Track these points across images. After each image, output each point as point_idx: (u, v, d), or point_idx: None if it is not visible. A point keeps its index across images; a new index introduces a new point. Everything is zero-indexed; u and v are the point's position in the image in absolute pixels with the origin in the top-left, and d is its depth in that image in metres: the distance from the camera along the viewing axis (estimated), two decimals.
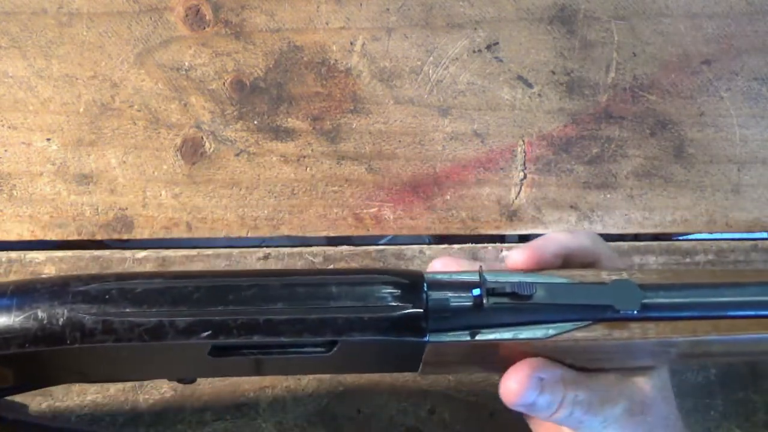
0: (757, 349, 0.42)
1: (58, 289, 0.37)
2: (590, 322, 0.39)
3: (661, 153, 0.57)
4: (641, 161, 0.57)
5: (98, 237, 0.53)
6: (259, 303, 0.37)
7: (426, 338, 0.38)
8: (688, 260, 0.57)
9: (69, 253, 0.53)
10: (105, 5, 0.53)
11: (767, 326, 0.40)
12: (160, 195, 0.53)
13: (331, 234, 0.55)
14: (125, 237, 0.53)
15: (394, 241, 0.60)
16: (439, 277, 0.40)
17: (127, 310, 0.36)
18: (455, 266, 0.42)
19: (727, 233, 0.58)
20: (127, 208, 0.53)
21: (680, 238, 0.61)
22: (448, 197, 0.55)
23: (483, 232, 0.56)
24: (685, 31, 0.57)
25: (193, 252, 0.54)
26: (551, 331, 0.39)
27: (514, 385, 0.39)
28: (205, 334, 0.37)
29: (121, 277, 0.38)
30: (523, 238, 0.58)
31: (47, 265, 0.52)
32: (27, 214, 0.52)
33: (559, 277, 0.40)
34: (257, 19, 0.54)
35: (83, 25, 0.53)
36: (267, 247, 0.55)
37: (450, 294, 0.39)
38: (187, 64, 0.54)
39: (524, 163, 0.56)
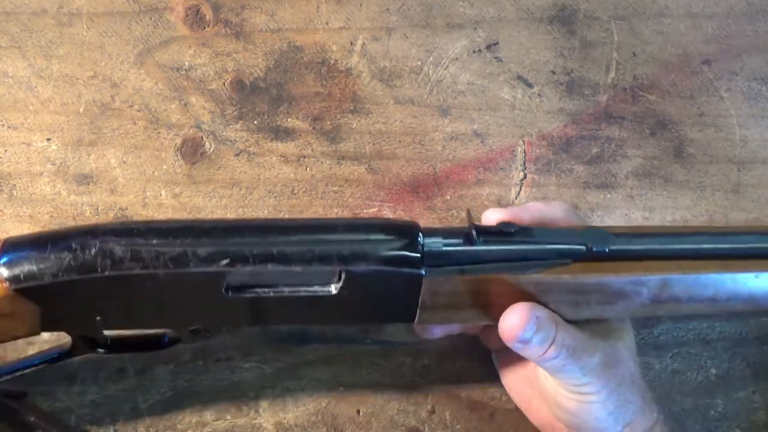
0: (718, 297, 0.45)
1: (90, 228, 0.41)
2: (570, 261, 0.44)
3: (661, 153, 0.57)
4: (641, 161, 0.57)
5: None
6: (273, 237, 0.41)
7: (422, 271, 0.42)
8: None
9: None
10: (105, 5, 0.53)
11: (725, 267, 0.45)
12: (160, 195, 0.53)
13: None
14: None
15: None
16: (432, 227, 0.45)
17: (154, 241, 0.40)
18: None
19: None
20: (127, 208, 0.53)
21: None
22: (448, 197, 0.56)
23: None
24: (685, 31, 0.57)
25: None
26: (534, 269, 0.43)
27: (516, 319, 0.43)
28: (224, 262, 0.40)
29: (147, 221, 0.44)
30: None
31: None
32: (27, 214, 0.52)
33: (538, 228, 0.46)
34: (257, 19, 0.54)
35: (83, 25, 0.53)
36: None
37: (443, 234, 0.44)
38: (187, 64, 0.54)
39: (524, 163, 0.56)
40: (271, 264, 0.41)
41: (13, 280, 0.40)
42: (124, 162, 0.53)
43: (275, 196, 0.54)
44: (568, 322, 0.46)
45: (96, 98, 0.53)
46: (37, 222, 0.52)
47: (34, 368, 0.47)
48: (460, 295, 0.44)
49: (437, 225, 0.55)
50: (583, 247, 0.44)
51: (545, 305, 0.44)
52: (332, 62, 0.55)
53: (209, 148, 0.54)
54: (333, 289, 0.42)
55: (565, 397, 0.46)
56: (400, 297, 0.43)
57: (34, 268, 0.40)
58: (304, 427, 0.55)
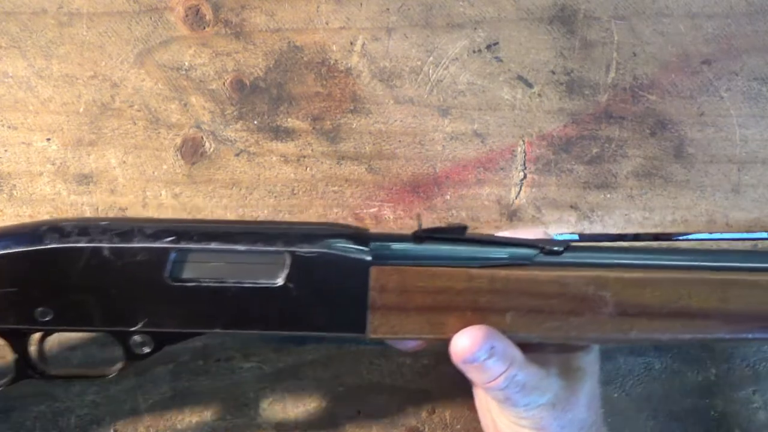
0: (691, 308, 0.43)
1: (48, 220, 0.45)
2: (525, 263, 0.43)
3: (661, 153, 0.57)
4: (641, 161, 0.57)
5: None
6: (220, 224, 0.44)
7: (369, 257, 0.42)
8: None
9: None
10: (105, 5, 0.53)
11: (694, 273, 0.43)
12: (160, 195, 0.53)
13: None
14: None
15: None
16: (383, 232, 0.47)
17: (103, 222, 0.42)
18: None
19: (727, 233, 0.58)
20: (127, 208, 0.53)
21: (680, 238, 0.61)
22: (448, 197, 0.56)
23: (483, 232, 0.56)
24: (685, 31, 0.57)
25: None
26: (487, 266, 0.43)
27: (467, 343, 0.42)
28: (169, 239, 0.41)
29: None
30: None
31: None
32: (27, 214, 0.52)
33: None
34: (257, 19, 0.54)
35: (83, 25, 0.53)
36: None
37: (392, 237, 0.44)
38: (187, 64, 0.54)
39: (524, 163, 0.56)
40: (216, 242, 0.41)
41: None
42: (124, 162, 0.53)
43: (275, 196, 0.54)
44: (533, 345, 0.44)
45: (96, 98, 0.53)
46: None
47: None
48: (411, 295, 0.42)
49: (437, 225, 0.55)
50: (536, 250, 0.43)
51: (504, 316, 0.42)
52: (332, 62, 0.55)
53: (209, 148, 0.54)
54: (279, 279, 0.41)
55: (507, 427, 0.45)
56: (348, 292, 0.42)
57: None
58: (304, 427, 0.55)
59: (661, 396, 0.57)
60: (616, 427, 0.57)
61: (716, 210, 0.57)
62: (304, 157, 0.55)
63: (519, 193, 0.56)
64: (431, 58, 0.56)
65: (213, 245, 0.41)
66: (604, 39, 0.57)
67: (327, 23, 0.55)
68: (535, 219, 0.56)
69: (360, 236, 0.43)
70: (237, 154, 0.54)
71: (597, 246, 0.46)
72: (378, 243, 0.43)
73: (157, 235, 0.41)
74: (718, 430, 0.57)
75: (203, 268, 0.42)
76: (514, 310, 0.42)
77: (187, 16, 0.54)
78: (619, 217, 0.56)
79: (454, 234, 0.43)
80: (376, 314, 0.42)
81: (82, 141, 0.53)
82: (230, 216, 0.54)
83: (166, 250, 0.41)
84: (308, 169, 0.55)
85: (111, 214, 0.53)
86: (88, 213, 0.53)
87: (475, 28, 0.56)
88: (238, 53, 0.54)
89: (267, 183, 0.54)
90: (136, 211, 0.53)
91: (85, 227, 0.42)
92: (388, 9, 0.55)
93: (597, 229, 0.56)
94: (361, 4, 0.55)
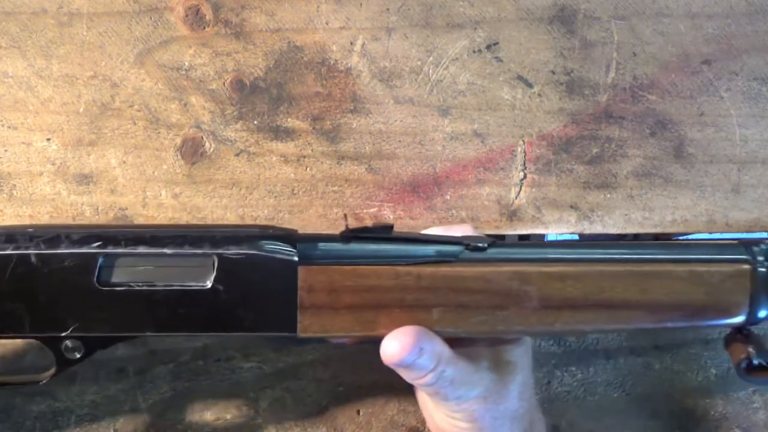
0: (614, 301, 0.44)
1: None
2: (452, 260, 0.44)
3: (661, 153, 0.57)
4: (641, 161, 0.57)
5: None
6: (148, 228, 0.45)
7: (296, 257, 0.43)
8: None
9: None
10: (105, 5, 0.53)
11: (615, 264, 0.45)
12: (160, 195, 0.53)
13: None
14: None
15: None
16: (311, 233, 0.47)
17: (30, 229, 0.42)
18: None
19: (727, 233, 0.58)
20: (127, 208, 0.53)
21: (680, 238, 0.61)
22: (448, 197, 0.56)
23: (483, 231, 0.56)
24: (685, 31, 0.57)
25: None
26: (413, 263, 0.44)
27: (397, 348, 0.42)
28: (96, 244, 0.42)
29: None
30: (523, 238, 0.58)
31: None
32: (27, 214, 0.52)
33: None
34: (257, 19, 0.54)
35: (83, 25, 0.53)
36: None
37: (320, 237, 0.45)
38: (187, 64, 0.54)
39: (524, 163, 0.56)
40: (143, 246, 0.42)
41: None
42: (124, 162, 0.53)
43: (275, 196, 0.54)
44: (464, 340, 0.45)
45: (96, 98, 0.53)
46: (37, 222, 0.52)
47: None
48: (339, 294, 0.43)
49: (437, 225, 0.55)
50: (461, 247, 0.44)
51: (431, 312, 0.43)
52: (332, 62, 0.55)
53: (209, 148, 0.54)
54: (208, 282, 0.42)
55: (442, 420, 0.46)
56: (277, 292, 0.43)
57: None
58: (304, 427, 0.55)
59: (661, 396, 0.57)
60: (616, 427, 0.57)
61: (716, 210, 0.57)
62: (304, 157, 0.55)
63: (519, 193, 0.56)
64: (431, 58, 0.56)
65: (140, 249, 0.42)
66: (604, 39, 0.57)
67: (327, 23, 0.55)
68: (535, 219, 0.56)
69: (287, 237, 0.44)
70: (237, 154, 0.54)
71: (521, 243, 0.48)
72: (305, 243, 0.44)
73: (84, 241, 0.42)
74: (718, 430, 0.57)
75: (132, 272, 0.42)
76: (441, 306, 0.44)
77: (187, 16, 0.54)
78: (619, 217, 0.56)
79: (381, 233, 0.44)
80: (306, 314, 0.43)
81: (82, 141, 0.53)
82: (231, 216, 0.54)
83: (93, 255, 0.42)
84: (308, 169, 0.55)
85: (111, 214, 0.53)
86: (88, 213, 0.53)
87: (475, 28, 0.56)
88: (238, 53, 0.54)
89: (267, 183, 0.54)
90: (136, 211, 0.53)
91: (11, 234, 0.42)
92: (388, 9, 0.55)
93: (597, 229, 0.56)
94: (361, 4, 0.55)
